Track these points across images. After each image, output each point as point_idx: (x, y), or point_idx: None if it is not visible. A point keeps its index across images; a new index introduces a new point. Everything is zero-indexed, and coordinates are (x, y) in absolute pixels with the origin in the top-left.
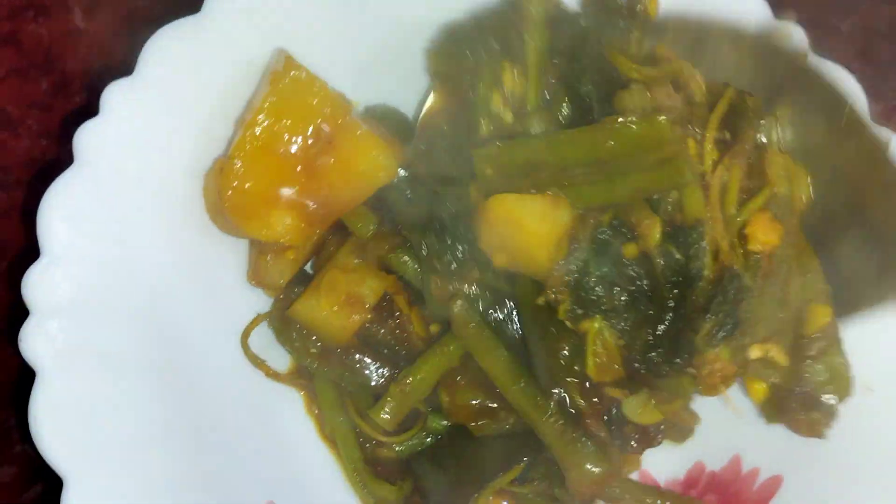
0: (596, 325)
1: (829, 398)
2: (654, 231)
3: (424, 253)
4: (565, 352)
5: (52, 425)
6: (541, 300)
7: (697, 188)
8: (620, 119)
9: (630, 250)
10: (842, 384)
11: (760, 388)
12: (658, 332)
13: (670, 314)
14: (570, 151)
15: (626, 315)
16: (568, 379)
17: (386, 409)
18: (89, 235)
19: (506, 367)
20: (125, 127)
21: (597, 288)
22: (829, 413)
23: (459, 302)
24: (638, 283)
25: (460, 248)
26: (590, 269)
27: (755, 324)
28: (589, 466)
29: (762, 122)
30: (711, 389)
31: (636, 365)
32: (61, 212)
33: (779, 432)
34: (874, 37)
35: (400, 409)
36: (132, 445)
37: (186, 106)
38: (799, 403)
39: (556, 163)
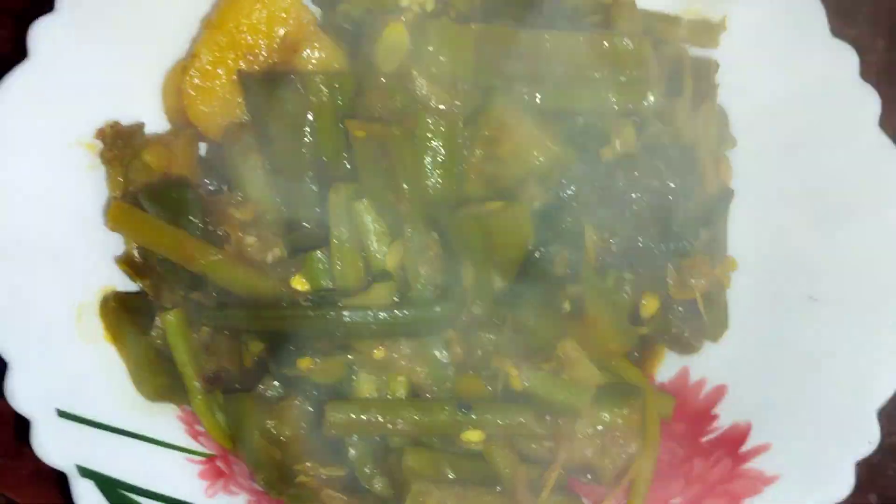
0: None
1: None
2: (627, 131)
3: None
4: None
5: None
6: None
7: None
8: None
9: (607, 152)
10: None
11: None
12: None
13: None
14: (555, 49)
15: (604, 211)
16: None
17: None
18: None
19: None
20: (78, 22)
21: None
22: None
23: None
24: (616, 183)
25: None
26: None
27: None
28: None
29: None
30: (688, 291)
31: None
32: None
33: (726, 347)
34: None
35: None
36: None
37: (147, 4)
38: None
39: (532, 56)
